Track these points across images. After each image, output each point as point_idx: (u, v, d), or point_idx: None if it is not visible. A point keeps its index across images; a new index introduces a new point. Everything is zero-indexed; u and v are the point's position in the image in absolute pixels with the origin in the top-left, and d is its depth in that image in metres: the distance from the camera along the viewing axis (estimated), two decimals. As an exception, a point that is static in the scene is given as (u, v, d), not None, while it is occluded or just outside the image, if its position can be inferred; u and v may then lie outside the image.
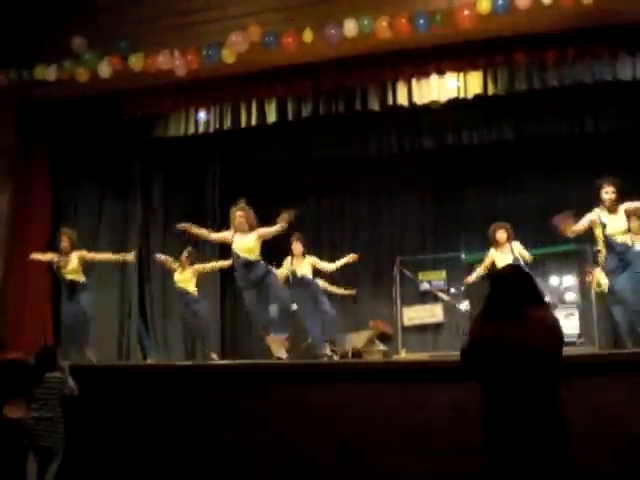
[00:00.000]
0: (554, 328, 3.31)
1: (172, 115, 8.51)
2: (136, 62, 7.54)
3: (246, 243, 7.34)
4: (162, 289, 9.92)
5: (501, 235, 7.88)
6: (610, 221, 6.75)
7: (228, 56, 7.29)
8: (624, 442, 4.96)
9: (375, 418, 5.62)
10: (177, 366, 7.28)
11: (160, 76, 7.64)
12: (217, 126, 8.30)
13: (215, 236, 7.76)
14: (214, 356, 8.44)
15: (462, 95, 7.49)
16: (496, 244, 7.94)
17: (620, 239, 6.72)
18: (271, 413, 5.95)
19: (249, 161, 11.02)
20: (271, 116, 8.04)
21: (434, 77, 7.50)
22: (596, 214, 6.81)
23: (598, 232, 6.83)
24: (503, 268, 3.55)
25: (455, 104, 7.87)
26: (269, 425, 5.91)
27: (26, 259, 7.85)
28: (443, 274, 10.69)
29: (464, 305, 10.06)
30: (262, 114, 8.08)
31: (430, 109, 8.25)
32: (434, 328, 10.64)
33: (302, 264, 8.28)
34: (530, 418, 3.11)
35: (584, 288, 9.14)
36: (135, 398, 6.44)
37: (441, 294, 10.40)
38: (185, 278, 8.53)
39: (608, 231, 6.73)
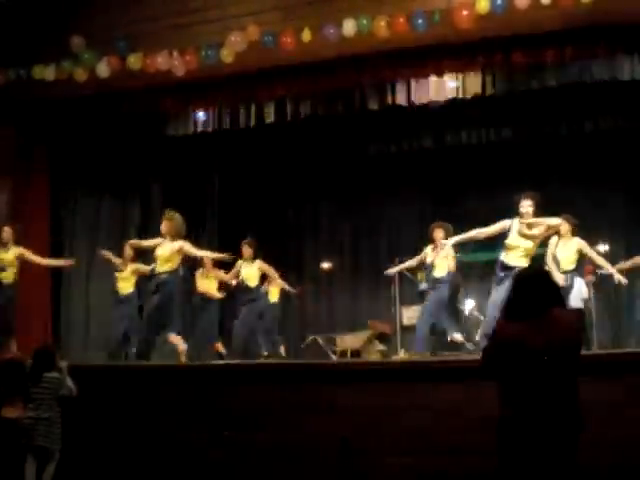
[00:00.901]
0: (575, 329, 3.32)
1: (171, 115, 8.50)
2: (135, 62, 7.54)
3: (165, 251, 7.29)
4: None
5: (437, 234, 7.86)
6: (512, 232, 6.81)
7: (227, 56, 7.29)
8: (624, 442, 4.96)
9: (375, 418, 5.62)
10: (176, 366, 7.27)
11: (159, 76, 7.63)
12: (216, 126, 8.30)
13: (146, 243, 7.78)
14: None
15: (461, 95, 7.49)
16: (433, 243, 7.94)
17: (505, 255, 6.77)
18: (271, 413, 5.95)
19: (248, 161, 11.02)
20: (270, 116, 8.03)
21: (433, 77, 7.50)
22: (510, 222, 6.86)
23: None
24: (525, 268, 3.56)
25: (454, 104, 7.87)
26: (269, 425, 5.90)
27: (25, 258, 7.81)
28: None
29: (467, 304, 10.04)
30: (261, 114, 8.07)
31: (429, 109, 8.25)
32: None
33: (250, 268, 8.48)
34: (552, 419, 3.10)
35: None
36: (134, 398, 6.43)
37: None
38: (123, 276, 8.43)
39: (508, 240, 6.80)
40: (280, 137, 9.97)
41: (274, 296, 9.69)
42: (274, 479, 5.78)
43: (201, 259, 8.76)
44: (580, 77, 7.18)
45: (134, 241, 8.13)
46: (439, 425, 5.42)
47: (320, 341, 10.13)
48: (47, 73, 7.76)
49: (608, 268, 7.47)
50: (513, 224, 6.87)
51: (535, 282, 3.34)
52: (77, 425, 5.98)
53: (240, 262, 8.58)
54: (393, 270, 8.70)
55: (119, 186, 9.82)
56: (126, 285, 8.45)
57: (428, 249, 8.04)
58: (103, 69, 7.63)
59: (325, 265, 11.11)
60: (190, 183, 10.83)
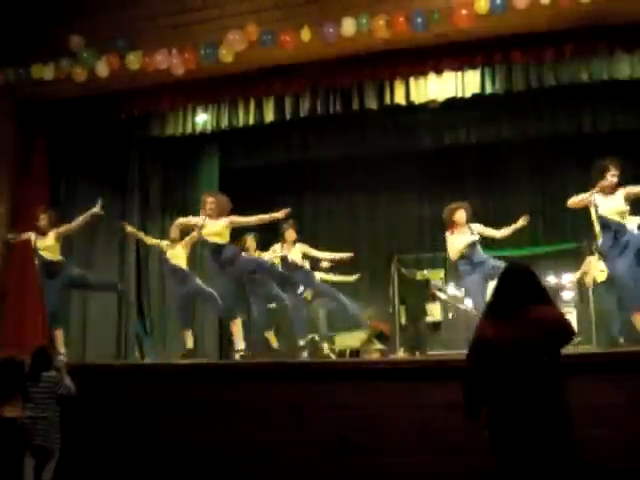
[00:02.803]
0: (558, 325, 3.27)
1: (170, 114, 8.49)
2: (134, 61, 7.54)
3: (216, 228, 7.43)
4: (160, 288, 9.90)
5: (460, 216, 7.44)
6: (604, 202, 6.65)
7: (226, 55, 7.29)
8: (623, 442, 4.97)
9: (374, 417, 5.62)
10: (176, 365, 7.27)
11: (158, 75, 7.63)
12: (215, 125, 8.30)
13: (181, 220, 7.92)
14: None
15: (460, 94, 7.48)
16: (453, 226, 7.45)
17: (615, 219, 6.60)
18: (271, 412, 5.95)
19: (247, 160, 11.01)
20: (269, 115, 8.03)
21: (432, 76, 7.50)
22: (591, 194, 6.70)
23: (593, 212, 6.74)
24: (507, 266, 3.51)
25: (453, 103, 7.87)
26: (269, 425, 5.91)
27: (25, 258, 7.81)
28: (441, 273, 10.68)
29: (468, 303, 10.06)
30: (260, 113, 8.07)
31: (428, 108, 8.25)
32: (432, 327, 10.63)
33: (293, 251, 8.34)
34: (535, 417, 3.10)
35: (582, 287, 9.15)
36: (134, 397, 6.44)
37: (439, 293, 10.38)
38: (177, 254, 8.25)
39: (601, 212, 6.63)
40: (279, 136, 9.98)
41: None
42: (274, 479, 5.79)
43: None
44: (579, 76, 7.18)
45: (182, 220, 7.97)
46: (439, 424, 5.43)
47: (319, 340, 10.13)
48: (46, 72, 7.76)
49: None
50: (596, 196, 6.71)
51: (516, 280, 3.32)
52: (77, 424, 5.98)
53: (277, 245, 8.45)
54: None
55: (118, 184, 9.82)
56: (180, 262, 8.25)
57: (447, 234, 7.50)
58: (102, 68, 7.63)
59: (324, 264, 11.07)
60: (189, 181, 10.82)
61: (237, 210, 7.82)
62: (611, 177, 6.65)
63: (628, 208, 6.71)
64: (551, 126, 9.54)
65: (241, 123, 8.18)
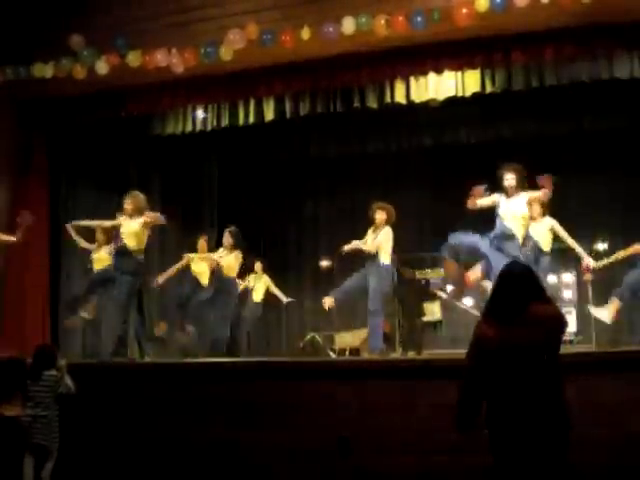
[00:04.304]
0: (556, 322, 3.27)
1: (170, 113, 8.50)
2: (134, 59, 7.54)
3: (132, 227, 7.36)
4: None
5: (378, 216, 7.62)
6: (506, 205, 6.76)
7: (226, 54, 7.28)
8: (623, 441, 4.97)
9: (374, 416, 5.62)
10: (175, 365, 7.27)
11: (158, 74, 7.63)
12: (215, 124, 8.30)
13: (108, 223, 7.81)
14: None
15: (460, 93, 7.48)
16: (374, 225, 7.70)
17: (507, 223, 6.70)
18: (270, 412, 5.95)
19: (247, 159, 11.02)
20: (269, 114, 8.03)
21: (432, 75, 7.50)
22: (498, 197, 6.83)
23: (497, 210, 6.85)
24: (506, 266, 3.49)
25: (453, 102, 7.87)
26: (268, 424, 5.91)
27: (24, 257, 7.80)
28: (441, 272, 10.66)
29: (468, 302, 10.07)
30: (260, 112, 8.07)
31: (428, 107, 8.25)
32: (432, 326, 10.64)
33: (228, 257, 8.37)
34: (535, 417, 3.10)
35: (581, 286, 9.16)
36: (133, 396, 6.44)
37: (439, 292, 10.38)
38: (101, 257, 8.21)
39: (500, 212, 6.76)
40: (279, 135, 9.98)
41: (258, 295, 9.70)
42: (274, 479, 5.78)
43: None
44: (579, 75, 7.18)
45: (109, 223, 7.83)
46: (439, 423, 5.42)
47: (319, 339, 10.14)
48: (46, 71, 7.76)
49: (579, 250, 7.50)
50: (501, 198, 6.86)
51: (515, 280, 3.30)
52: (76, 423, 5.98)
53: (221, 250, 8.53)
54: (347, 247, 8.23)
55: (118, 184, 9.81)
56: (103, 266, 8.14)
57: (369, 231, 7.78)
58: (102, 67, 7.63)
59: (324, 263, 11.09)
60: (189, 179, 10.83)
61: (237, 209, 7.83)
62: (505, 182, 6.81)
63: (526, 213, 6.78)
64: (551, 125, 9.54)
65: (241, 122, 8.19)
